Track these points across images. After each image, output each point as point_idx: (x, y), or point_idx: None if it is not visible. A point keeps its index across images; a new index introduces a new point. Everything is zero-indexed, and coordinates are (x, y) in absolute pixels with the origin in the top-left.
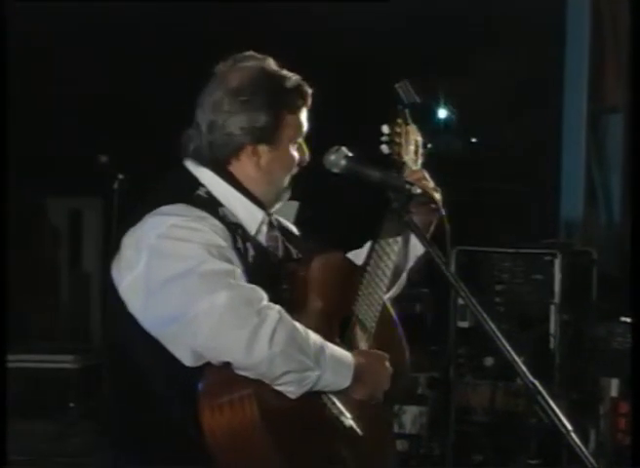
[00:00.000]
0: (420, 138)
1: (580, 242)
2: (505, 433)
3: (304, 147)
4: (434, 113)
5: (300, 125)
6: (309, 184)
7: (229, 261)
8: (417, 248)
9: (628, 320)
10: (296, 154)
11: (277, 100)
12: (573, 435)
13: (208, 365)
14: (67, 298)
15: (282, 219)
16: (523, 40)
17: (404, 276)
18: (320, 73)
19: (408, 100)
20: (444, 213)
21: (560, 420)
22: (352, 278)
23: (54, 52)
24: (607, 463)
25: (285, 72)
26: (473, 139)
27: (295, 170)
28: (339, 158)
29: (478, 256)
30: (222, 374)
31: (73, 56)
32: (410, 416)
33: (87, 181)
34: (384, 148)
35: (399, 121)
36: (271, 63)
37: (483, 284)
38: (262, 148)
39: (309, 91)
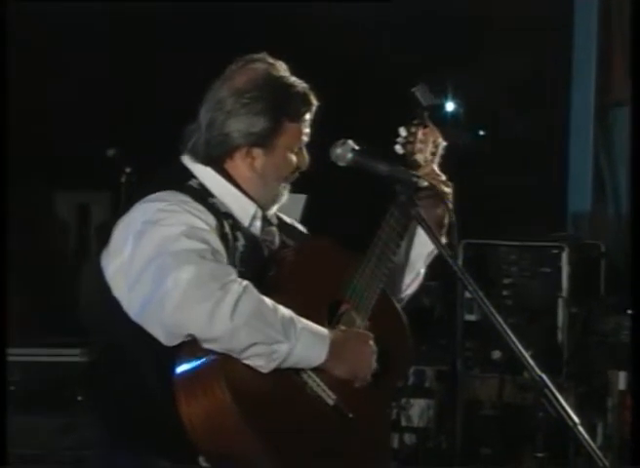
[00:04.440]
0: (440, 140)
1: (588, 235)
2: (513, 426)
3: (305, 153)
4: (442, 107)
5: (299, 133)
6: (318, 178)
7: (205, 242)
8: (427, 245)
9: None
10: (294, 159)
11: (279, 107)
12: (580, 428)
13: (181, 347)
14: (75, 292)
15: (285, 217)
16: (530, 35)
17: (421, 272)
18: (328, 72)
19: (426, 103)
20: (451, 206)
21: (567, 414)
22: (343, 263)
23: (60, 45)
24: (614, 456)
25: (293, 79)
26: (481, 133)
27: (292, 174)
28: (345, 151)
29: (485, 250)
30: (194, 357)
31: (81, 48)
32: (417, 410)
33: (94, 175)
34: (398, 148)
35: (416, 122)
36: (281, 68)
37: (490, 277)
38: (257, 152)
39: (314, 101)
